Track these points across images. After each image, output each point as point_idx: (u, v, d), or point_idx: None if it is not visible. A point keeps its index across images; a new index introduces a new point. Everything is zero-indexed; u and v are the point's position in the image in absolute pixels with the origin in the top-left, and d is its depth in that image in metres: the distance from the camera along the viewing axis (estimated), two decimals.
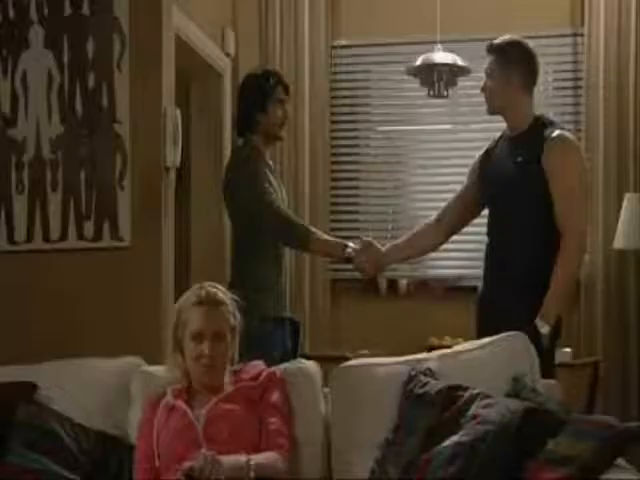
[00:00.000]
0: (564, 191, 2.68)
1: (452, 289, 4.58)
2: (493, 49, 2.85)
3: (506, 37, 2.87)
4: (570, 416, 2.01)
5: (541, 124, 2.79)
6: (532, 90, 2.87)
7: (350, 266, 3.12)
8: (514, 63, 2.80)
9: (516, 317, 2.59)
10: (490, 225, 2.89)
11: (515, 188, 2.77)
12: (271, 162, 3.24)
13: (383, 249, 3.06)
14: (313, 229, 3.10)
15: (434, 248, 3.15)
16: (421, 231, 3.10)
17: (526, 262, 2.72)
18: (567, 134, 2.78)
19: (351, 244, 3.03)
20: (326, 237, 3.19)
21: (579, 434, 1.90)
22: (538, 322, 2.60)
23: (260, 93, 3.10)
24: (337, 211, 4.79)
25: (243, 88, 3.23)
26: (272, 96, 3.11)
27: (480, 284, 2.93)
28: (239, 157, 3.14)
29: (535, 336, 2.49)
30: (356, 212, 4.81)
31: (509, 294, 2.74)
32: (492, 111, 2.90)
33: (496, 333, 2.39)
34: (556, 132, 2.74)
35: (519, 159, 2.76)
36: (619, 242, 4.19)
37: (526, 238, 2.74)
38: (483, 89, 2.88)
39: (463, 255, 4.48)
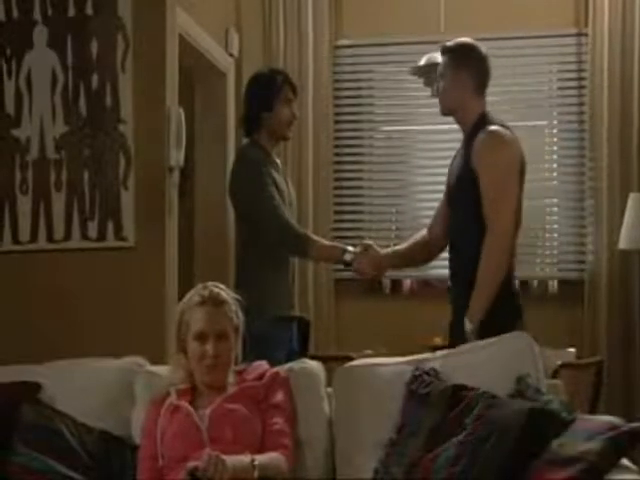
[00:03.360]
0: (488, 188, 2.67)
1: None
2: (445, 51, 2.87)
3: (459, 39, 2.89)
4: (574, 416, 2.01)
5: (482, 122, 2.77)
6: (483, 92, 2.85)
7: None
8: (465, 65, 2.81)
9: (463, 316, 2.66)
10: (449, 226, 2.93)
11: (457, 189, 2.81)
12: (278, 160, 3.23)
13: (383, 252, 3.05)
14: (312, 236, 3.10)
15: (431, 258, 3.14)
16: (417, 243, 3.08)
17: (466, 262, 2.74)
18: (498, 129, 2.74)
19: (350, 248, 3.02)
20: (325, 243, 3.20)
21: (583, 434, 1.90)
22: (465, 320, 2.64)
23: (267, 92, 3.09)
24: (340, 211, 4.79)
25: (250, 87, 3.22)
26: (279, 95, 3.10)
27: None
28: (245, 158, 3.14)
29: (464, 333, 2.61)
30: (359, 212, 4.82)
31: (459, 294, 2.78)
32: (444, 112, 2.90)
33: (456, 332, 2.50)
34: (487, 128, 2.73)
35: (460, 161, 2.80)
36: (623, 242, 4.18)
37: (468, 238, 2.76)
38: (436, 91, 2.90)
39: None
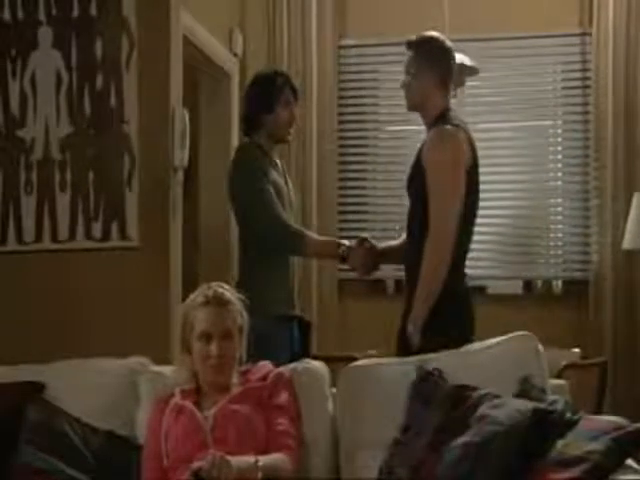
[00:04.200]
0: (432, 187, 2.65)
1: None
2: (410, 45, 2.84)
3: (425, 34, 2.85)
4: (579, 416, 2.01)
5: (441, 119, 2.74)
6: (448, 87, 2.81)
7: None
8: (429, 59, 2.78)
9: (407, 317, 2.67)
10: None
11: (409, 187, 2.81)
12: (278, 161, 3.22)
13: (379, 246, 3.03)
14: (307, 233, 3.10)
15: None
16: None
17: (410, 261, 2.74)
18: (447, 128, 2.69)
19: (345, 242, 3.02)
20: (320, 238, 3.20)
21: (588, 435, 1.89)
22: (409, 321, 2.64)
23: (267, 93, 3.08)
24: (345, 211, 4.79)
25: (251, 87, 3.21)
26: (279, 97, 3.09)
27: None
28: (241, 157, 3.12)
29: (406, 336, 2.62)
30: (364, 212, 4.82)
31: (407, 293, 2.76)
32: (410, 108, 2.89)
33: (402, 333, 2.60)
34: (437, 127, 2.71)
35: (416, 156, 2.79)
36: (628, 242, 4.17)
37: (413, 236, 2.75)
38: (402, 85, 2.88)
39: (469, 255, 4.46)
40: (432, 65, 2.77)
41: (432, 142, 2.70)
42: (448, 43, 2.82)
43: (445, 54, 2.80)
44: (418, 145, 4.88)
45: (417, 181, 2.73)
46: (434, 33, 2.85)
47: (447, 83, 2.81)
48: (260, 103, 3.08)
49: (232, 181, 3.09)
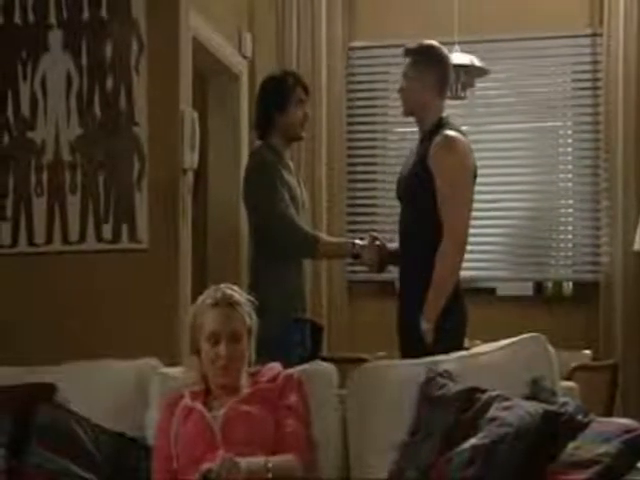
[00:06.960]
0: (444, 190, 2.72)
1: (468, 290, 4.54)
2: (408, 52, 2.91)
3: (423, 41, 2.92)
4: (589, 419, 2.00)
5: (440, 125, 2.82)
6: (443, 93, 2.90)
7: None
8: (426, 66, 2.85)
9: (414, 315, 2.69)
10: (398, 224, 2.96)
11: (408, 188, 2.86)
12: (291, 163, 3.24)
13: (389, 245, 3.05)
14: (319, 235, 3.12)
15: None
16: None
17: (420, 261, 2.76)
18: (453, 134, 2.79)
19: (358, 241, 3.04)
20: (332, 239, 3.23)
21: (599, 437, 1.89)
22: (422, 320, 2.68)
23: (279, 94, 3.10)
24: (354, 212, 4.79)
25: (262, 89, 3.23)
26: (291, 96, 3.11)
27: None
28: (257, 160, 3.14)
29: (420, 332, 2.66)
30: (373, 214, 4.82)
31: (412, 292, 2.79)
32: (407, 112, 2.95)
33: (410, 331, 2.63)
34: (443, 132, 2.77)
35: (415, 159, 2.84)
36: (639, 244, 4.15)
37: (422, 237, 2.78)
38: (400, 90, 2.93)
39: (478, 257, 4.47)
40: (431, 71, 2.85)
41: (444, 148, 2.76)
42: (446, 51, 2.91)
43: (443, 61, 2.88)
44: None
45: (421, 184, 2.77)
46: (432, 42, 2.93)
47: (444, 90, 2.90)
48: (273, 104, 3.10)
49: (247, 185, 3.11)
